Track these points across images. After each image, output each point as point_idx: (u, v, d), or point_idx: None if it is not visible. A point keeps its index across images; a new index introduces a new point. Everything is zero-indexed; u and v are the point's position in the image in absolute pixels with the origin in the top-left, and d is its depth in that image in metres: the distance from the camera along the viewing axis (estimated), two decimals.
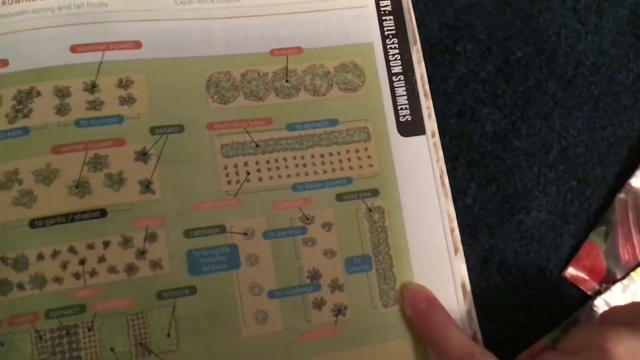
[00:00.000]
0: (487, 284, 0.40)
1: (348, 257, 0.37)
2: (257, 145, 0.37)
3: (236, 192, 0.36)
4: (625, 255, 0.40)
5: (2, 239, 0.33)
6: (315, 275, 0.36)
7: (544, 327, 0.39)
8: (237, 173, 0.36)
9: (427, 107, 0.40)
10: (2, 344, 0.32)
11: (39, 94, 0.35)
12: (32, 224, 0.34)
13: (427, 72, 0.40)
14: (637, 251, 0.40)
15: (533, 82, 0.42)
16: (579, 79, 0.43)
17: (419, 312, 0.36)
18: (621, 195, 0.41)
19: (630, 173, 0.41)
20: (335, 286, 0.36)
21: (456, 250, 0.38)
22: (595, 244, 0.40)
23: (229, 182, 0.36)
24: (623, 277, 0.40)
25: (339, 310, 0.36)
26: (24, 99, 0.35)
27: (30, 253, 0.33)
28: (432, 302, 0.36)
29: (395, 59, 0.40)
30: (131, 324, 0.34)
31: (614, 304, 0.39)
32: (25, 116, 0.34)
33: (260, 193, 0.36)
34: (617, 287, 0.39)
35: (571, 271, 0.40)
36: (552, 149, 0.41)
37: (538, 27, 0.43)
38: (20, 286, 0.33)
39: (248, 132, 0.37)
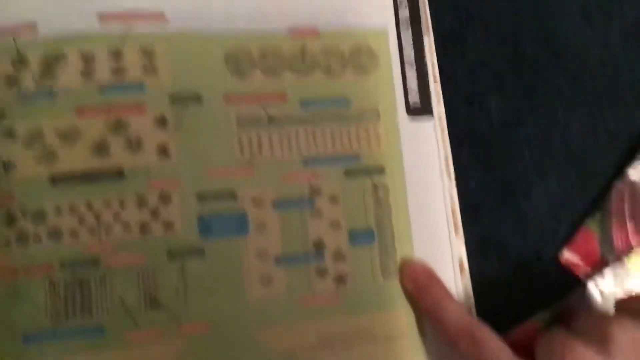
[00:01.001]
0: (484, 265, 0.41)
1: (352, 229, 0.38)
2: (270, 119, 0.38)
3: (249, 161, 0.37)
4: (619, 242, 0.41)
5: (23, 194, 0.35)
6: (319, 245, 0.38)
7: (537, 308, 0.40)
8: (250, 144, 0.38)
9: (437, 93, 0.41)
10: (18, 293, 0.34)
11: (65, 58, 0.36)
12: (53, 180, 0.35)
13: (438, 60, 0.41)
14: (631, 239, 0.41)
15: (540, 75, 0.43)
16: (585, 75, 0.44)
17: (418, 286, 0.37)
18: (619, 185, 0.42)
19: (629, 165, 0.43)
20: (339, 256, 0.38)
21: (456, 230, 0.39)
22: (591, 230, 0.41)
23: (242, 152, 0.37)
24: (615, 264, 0.41)
25: (340, 280, 0.37)
26: (51, 62, 0.36)
27: (49, 207, 0.35)
28: (431, 277, 0.37)
29: (408, 45, 0.41)
30: (142, 279, 0.35)
31: (605, 289, 0.40)
32: (52, 78, 0.36)
33: (272, 164, 0.38)
34: (608, 273, 0.40)
35: (566, 255, 0.41)
36: (554, 140, 0.43)
37: (548, 22, 0.44)
38: (38, 238, 0.34)
39: (263, 107, 0.38)
